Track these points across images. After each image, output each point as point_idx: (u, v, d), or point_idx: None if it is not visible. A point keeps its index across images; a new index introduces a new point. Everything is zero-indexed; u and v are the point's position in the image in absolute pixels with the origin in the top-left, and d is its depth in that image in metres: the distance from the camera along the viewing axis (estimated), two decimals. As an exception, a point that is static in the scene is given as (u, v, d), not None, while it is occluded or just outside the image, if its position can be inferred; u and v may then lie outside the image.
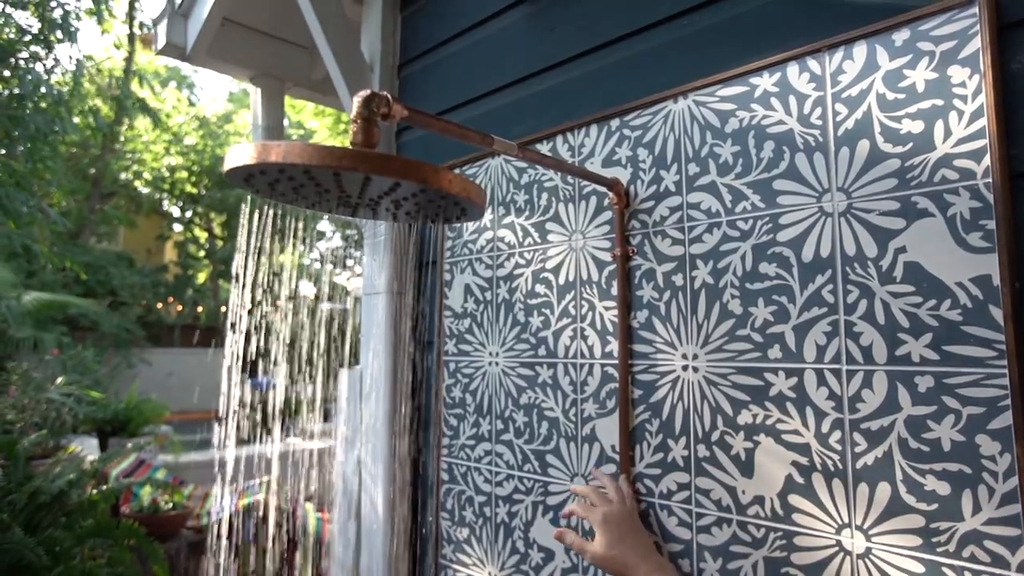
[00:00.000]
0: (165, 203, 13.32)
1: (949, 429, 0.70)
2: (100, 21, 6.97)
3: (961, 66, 0.72)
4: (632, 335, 0.99)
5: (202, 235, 13.84)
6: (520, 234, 1.19)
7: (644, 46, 1.04)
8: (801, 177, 0.83)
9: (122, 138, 11.11)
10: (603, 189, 1.04)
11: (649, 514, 0.95)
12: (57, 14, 5.87)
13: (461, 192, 0.59)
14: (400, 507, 1.35)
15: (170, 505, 3.24)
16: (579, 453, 1.05)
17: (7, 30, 5.62)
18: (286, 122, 2.05)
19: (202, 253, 13.60)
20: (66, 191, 9.27)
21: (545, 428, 1.10)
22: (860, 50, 0.80)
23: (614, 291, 1.02)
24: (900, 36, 0.77)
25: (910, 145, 0.75)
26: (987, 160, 0.70)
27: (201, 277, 13.23)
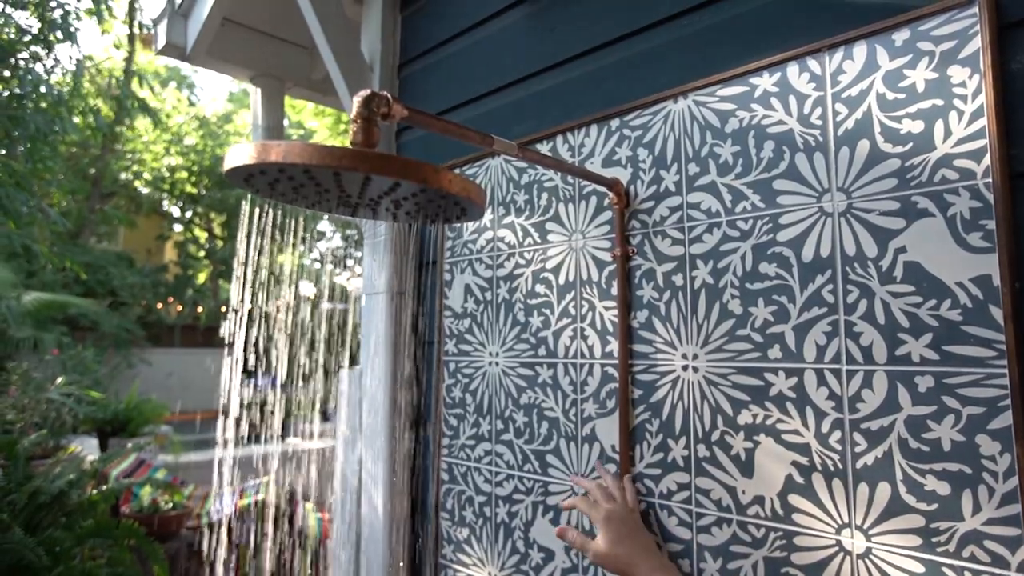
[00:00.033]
0: (165, 203, 13.32)
1: (949, 429, 0.70)
2: (100, 21, 6.97)
3: (961, 66, 0.72)
4: (632, 335, 0.99)
5: (202, 235, 13.84)
6: (520, 234, 1.19)
7: (644, 46, 1.04)
8: (801, 177, 0.83)
9: (122, 138, 11.11)
10: (603, 189, 1.04)
11: (649, 514, 0.95)
12: (57, 14, 5.87)
13: (461, 192, 0.59)
14: (400, 507, 1.35)
15: (170, 505, 3.24)
16: (579, 453, 1.05)
17: (7, 30, 5.62)
18: (286, 122, 2.05)
19: (202, 253, 13.60)
20: (66, 191, 9.26)
21: (545, 428, 1.10)
22: (860, 50, 0.80)
23: (614, 291, 1.02)
24: (900, 36, 0.77)
25: (910, 145, 0.75)
26: (987, 160, 0.70)
27: (201, 277, 13.23)
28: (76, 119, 6.64)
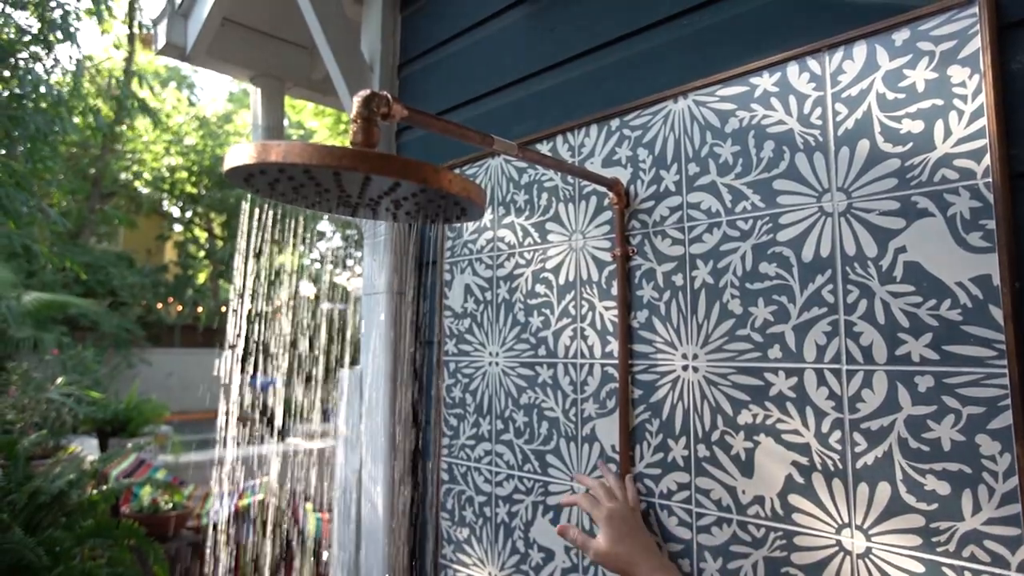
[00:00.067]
0: (165, 203, 13.32)
1: (949, 429, 0.70)
2: (100, 21, 6.97)
3: (961, 66, 0.72)
4: (632, 335, 0.99)
5: (202, 235, 13.84)
6: (520, 234, 1.19)
7: (644, 46, 1.04)
8: (801, 177, 0.83)
9: (122, 138, 11.11)
10: (603, 189, 1.04)
11: (649, 514, 0.95)
12: (57, 14, 5.87)
13: (461, 192, 0.59)
14: (400, 507, 1.35)
15: (170, 505, 3.24)
16: (579, 453, 1.05)
17: (7, 30, 5.62)
18: (286, 122, 2.05)
19: (202, 253, 13.60)
20: (66, 191, 9.26)
21: (545, 428, 1.10)
22: (860, 50, 0.80)
23: (614, 291, 1.02)
24: (900, 36, 0.77)
25: (910, 145, 0.75)
26: (987, 160, 0.70)
27: (201, 277, 13.23)
28: (76, 119, 6.64)
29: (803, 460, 0.80)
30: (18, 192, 5.03)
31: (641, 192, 1.00)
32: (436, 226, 1.37)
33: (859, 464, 0.76)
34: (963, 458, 0.69)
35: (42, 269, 8.26)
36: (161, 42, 1.70)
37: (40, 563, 2.11)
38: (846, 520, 0.76)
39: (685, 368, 0.93)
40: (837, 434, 0.78)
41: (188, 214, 13.62)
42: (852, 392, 0.77)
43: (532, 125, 1.19)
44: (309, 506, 2.78)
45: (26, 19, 5.85)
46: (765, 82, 0.88)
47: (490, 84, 1.28)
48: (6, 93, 5.35)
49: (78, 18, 6.21)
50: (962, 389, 0.70)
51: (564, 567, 1.05)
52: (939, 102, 0.74)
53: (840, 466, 0.77)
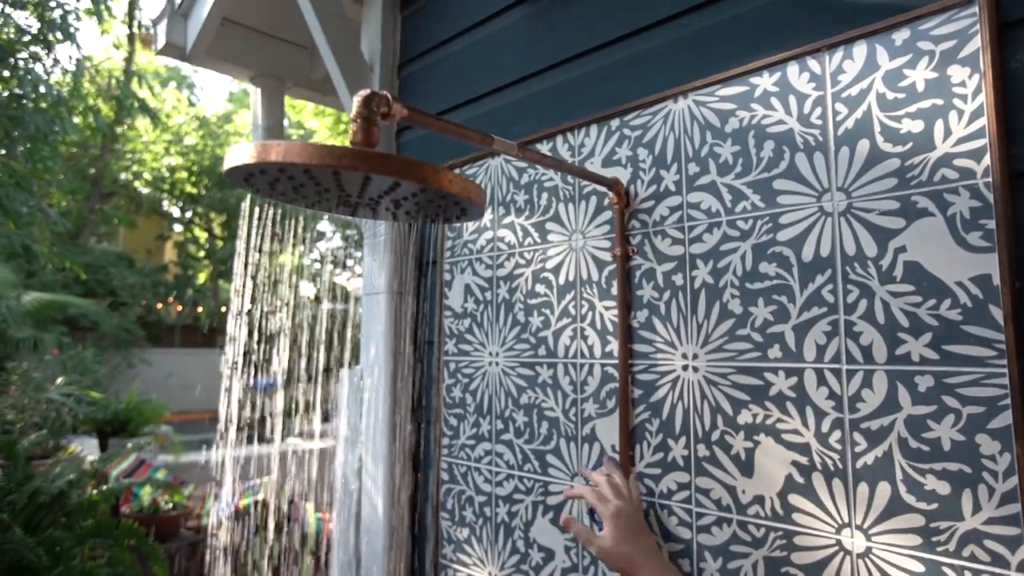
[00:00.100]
0: (165, 203, 13.32)
1: (949, 428, 0.70)
2: (100, 21, 6.97)
3: (961, 65, 0.72)
4: (632, 335, 0.99)
5: (202, 235, 13.84)
6: (520, 234, 1.19)
7: (644, 46, 1.04)
8: (801, 177, 0.83)
9: (122, 138, 11.11)
10: (603, 189, 1.04)
11: (649, 514, 0.95)
12: (56, 14, 5.87)
13: (461, 192, 0.59)
14: (400, 507, 1.35)
15: (170, 505, 3.24)
16: (579, 453, 1.05)
17: (6, 30, 5.62)
18: (286, 122, 2.05)
19: (202, 253, 13.60)
20: (66, 191, 9.26)
21: (545, 428, 1.10)
22: (860, 50, 0.80)
23: (614, 291, 1.02)
24: (900, 36, 0.77)
25: (910, 145, 0.75)
26: (987, 159, 0.70)
27: (201, 277, 13.23)
28: (76, 119, 6.64)
29: (803, 460, 0.80)
30: (18, 192, 5.03)
31: (641, 192, 1.00)
32: (436, 226, 1.37)
33: (859, 464, 0.76)
34: (963, 458, 0.69)
35: (42, 269, 8.26)
36: (161, 42, 1.70)
37: (40, 563, 2.11)
38: (846, 520, 0.76)
39: (685, 368, 0.93)
40: (837, 434, 0.78)
41: (188, 214, 13.62)
42: (852, 392, 0.77)
43: (532, 125, 1.19)
44: (309, 506, 2.78)
45: (26, 19, 5.86)
46: (765, 82, 0.88)
47: (490, 84, 1.28)
48: (6, 93, 5.35)
49: (78, 18, 6.21)
50: (962, 389, 0.70)
51: (564, 567, 1.05)
52: (939, 102, 0.74)
53: (840, 466, 0.77)
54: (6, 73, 5.49)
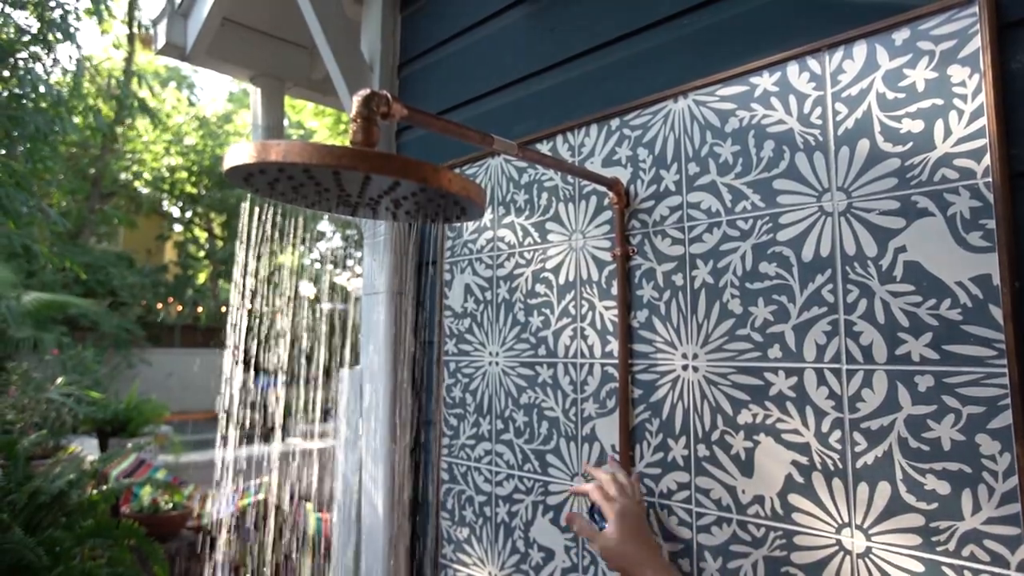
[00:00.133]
0: (165, 203, 13.32)
1: (949, 428, 0.70)
2: (100, 21, 6.97)
3: (961, 65, 0.72)
4: (632, 335, 0.99)
5: (202, 235, 13.84)
6: (520, 234, 1.19)
7: (644, 46, 1.04)
8: (801, 177, 0.83)
9: (122, 138, 11.11)
10: (603, 189, 1.04)
11: (649, 514, 0.95)
12: (56, 14, 5.87)
13: (461, 191, 0.59)
14: (400, 507, 1.35)
15: (170, 505, 3.24)
16: (579, 453, 1.05)
17: (6, 30, 5.62)
18: (286, 122, 2.05)
19: (202, 253, 13.60)
20: (66, 191, 9.26)
21: (545, 428, 1.10)
22: (860, 49, 0.80)
23: (614, 291, 1.02)
24: (900, 35, 0.77)
25: (910, 144, 0.75)
26: (987, 159, 0.70)
27: (201, 277, 13.23)
28: (76, 119, 6.64)
29: (803, 460, 0.80)
30: (18, 192, 5.03)
31: (641, 192, 1.00)
32: (436, 226, 1.37)
33: (859, 464, 0.76)
34: (963, 457, 0.69)
35: (42, 269, 8.26)
36: (161, 42, 1.71)
37: (40, 563, 2.11)
38: (846, 520, 0.76)
39: (685, 368, 0.93)
40: (837, 434, 0.78)
41: (188, 214, 13.62)
42: (852, 392, 0.77)
43: (532, 125, 1.19)
44: (309, 506, 2.78)
45: (25, 19, 5.86)
46: (765, 82, 0.88)
47: (490, 84, 1.28)
48: (6, 93, 5.35)
49: (78, 18, 6.21)
50: (962, 388, 0.70)
51: (564, 567, 1.05)
52: (939, 102, 0.74)
53: (840, 466, 0.77)
54: (6, 73, 5.49)
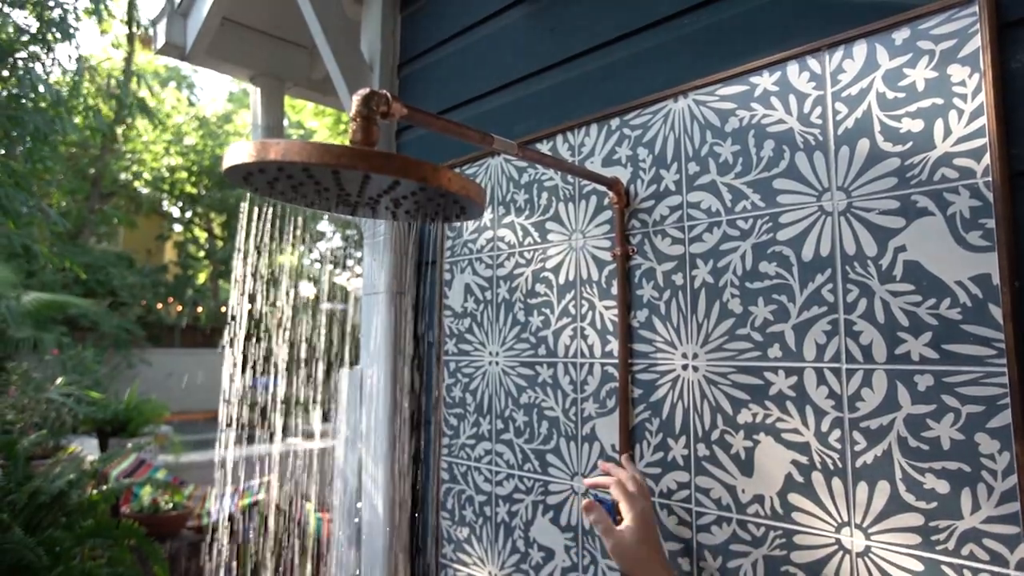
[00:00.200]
0: (165, 203, 13.31)
1: (948, 428, 0.70)
2: (99, 21, 6.97)
3: (961, 65, 0.72)
4: (632, 334, 0.99)
5: (202, 235, 13.84)
6: (520, 233, 1.19)
7: (644, 46, 1.04)
8: (801, 176, 0.83)
9: (122, 138, 11.10)
10: (603, 188, 1.04)
11: (649, 513, 0.95)
12: (56, 14, 5.87)
13: (460, 190, 0.59)
14: (400, 507, 1.35)
15: (170, 505, 3.24)
16: (579, 452, 1.05)
17: (6, 29, 5.61)
18: (286, 122, 2.05)
19: (202, 253, 13.59)
20: (66, 191, 9.26)
21: (545, 427, 1.10)
22: (860, 49, 0.80)
23: (614, 290, 1.02)
24: (900, 35, 0.77)
25: (910, 144, 0.75)
26: (987, 159, 0.70)
27: (201, 277, 13.22)
28: (76, 119, 6.63)
29: (803, 459, 0.80)
30: (18, 192, 5.03)
31: (641, 191, 1.00)
32: (436, 225, 1.37)
33: (859, 463, 0.76)
34: (962, 457, 0.69)
35: (42, 269, 8.26)
36: (160, 42, 1.70)
37: (40, 563, 2.11)
38: (846, 519, 0.76)
39: (685, 367, 0.93)
40: (837, 433, 0.78)
41: (188, 214, 13.61)
42: (852, 391, 0.77)
43: (532, 124, 1.19)
44: (309, 506, 2.78)
45: (24, 18, 5.85)
46: (765, 81, 0.88)
47: (490, 83, 1.28)
48: (5, 93, 5.35)
49: (77, 18, 6.21)
50: (961, 388, 0.70)
51: (564, 566, 1.05)
52: (939, 101, 0.74)
53: (840, 465, 0.77)
54: (5, 73, 5.49)
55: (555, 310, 1.11)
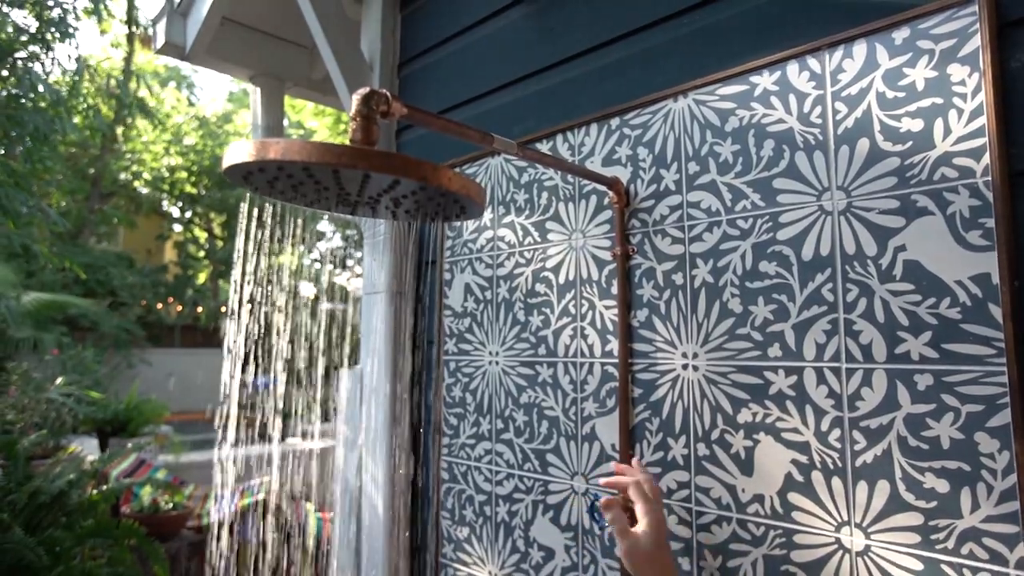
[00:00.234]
0: (165, 203, 13.31)
1: (948, 427, 0.70)
2: (99, 20, 6.97)
3: (961, 64, 0.72)
4: (632, 334, 0.99)
5: (202, 235, 13.83)
6: (520, 233, 1.19)
7: (644, 45, 1.04)
8: (801, 176, 0.83)
9: (122, 138, 11.10)
10: (603, 188, 1.04)
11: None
12: (55, 13, 5.87)
13: (460, 190, 0.59)
14: (400, 506, 1.36)
15: (170, 505, 3.24)
16: (579, 452, 1.05)
17: (5, 29, 5.61)
18: (286, 122, 2.05)
19: (202, 253, 13.59)
20: (66, 191, 9.26)
21: (545, 427, 1.10)
22: (860, 48, 0.80)
23: (614, 290, 1.02)
24: (900, 34, 0.77)
25: (910, 143, 0.75)
26: (986, 158, 0.70)
27: (201, 277, 13.22)
28: (76, 119, 6.63)
29: (803, 458, 0.80)
30: (18, 192, 5.03)
31: (641, 191, 1.00)
32: (436, 225, 1.37)
33: (858, 462, 0.76)
34: (962, 456, 0.69)
35: (42, 269, 8.26)
36: (160, 41, 1.70)
37: (40, 563, 2.11)
38: (845, 518, 0.76)
39: (685, 367, 0.93)
40: (836, 432, 0.78)
41: (188, 214, 13.61)
42: (851, 390, 0.77)
43: (532, 124, 1.19)
44: (309, 506, 2.78)
45: (24, 18, 5.85)
46: (765, 81, 0.88)
47: (490, 83, 1.28)
48: (4, 93, 5.34)
49: (77, 17, 6.20)
50: (961, 387, 0.70)
51: (564, 566, 1.05)
52: (939, 101, 0.74)
53: (839, 464, 0.77)
54: (5, 73, 5.49)
55: (555, 310, 1.11)
